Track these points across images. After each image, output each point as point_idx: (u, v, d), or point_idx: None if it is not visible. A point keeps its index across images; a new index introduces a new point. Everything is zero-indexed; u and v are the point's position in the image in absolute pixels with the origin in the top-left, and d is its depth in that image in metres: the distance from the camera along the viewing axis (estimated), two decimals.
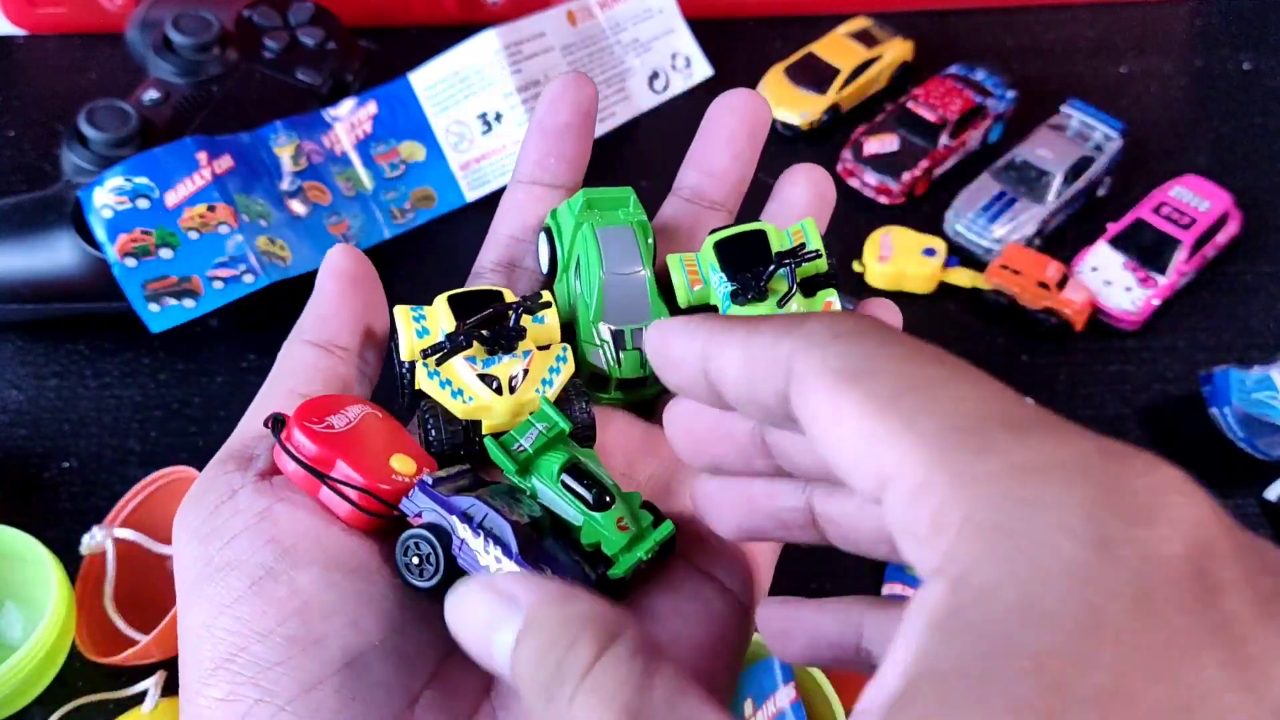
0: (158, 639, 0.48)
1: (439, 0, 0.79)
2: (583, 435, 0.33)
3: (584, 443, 0.32)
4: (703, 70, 0.77)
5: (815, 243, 0.34)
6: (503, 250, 0.37)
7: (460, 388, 0.32)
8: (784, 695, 0.45)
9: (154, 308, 0.59)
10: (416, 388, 0.33)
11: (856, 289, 0.66)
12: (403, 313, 0.33)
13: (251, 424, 0.31)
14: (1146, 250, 0.65)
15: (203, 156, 0.61)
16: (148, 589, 0.53)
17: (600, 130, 0.72)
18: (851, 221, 0.70)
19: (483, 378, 0.32)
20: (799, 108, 0.73)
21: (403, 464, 0.30)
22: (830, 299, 0.34)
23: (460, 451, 0.32)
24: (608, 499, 0.30)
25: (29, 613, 0.52)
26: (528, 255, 0.37)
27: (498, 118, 0.69)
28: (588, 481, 0.30)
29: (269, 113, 0.65)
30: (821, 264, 0.34)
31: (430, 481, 0.29)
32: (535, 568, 0.27)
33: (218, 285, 0.59)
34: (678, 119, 0.75)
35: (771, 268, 0.33)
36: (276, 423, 0.29)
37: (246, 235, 0.60)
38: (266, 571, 0.26)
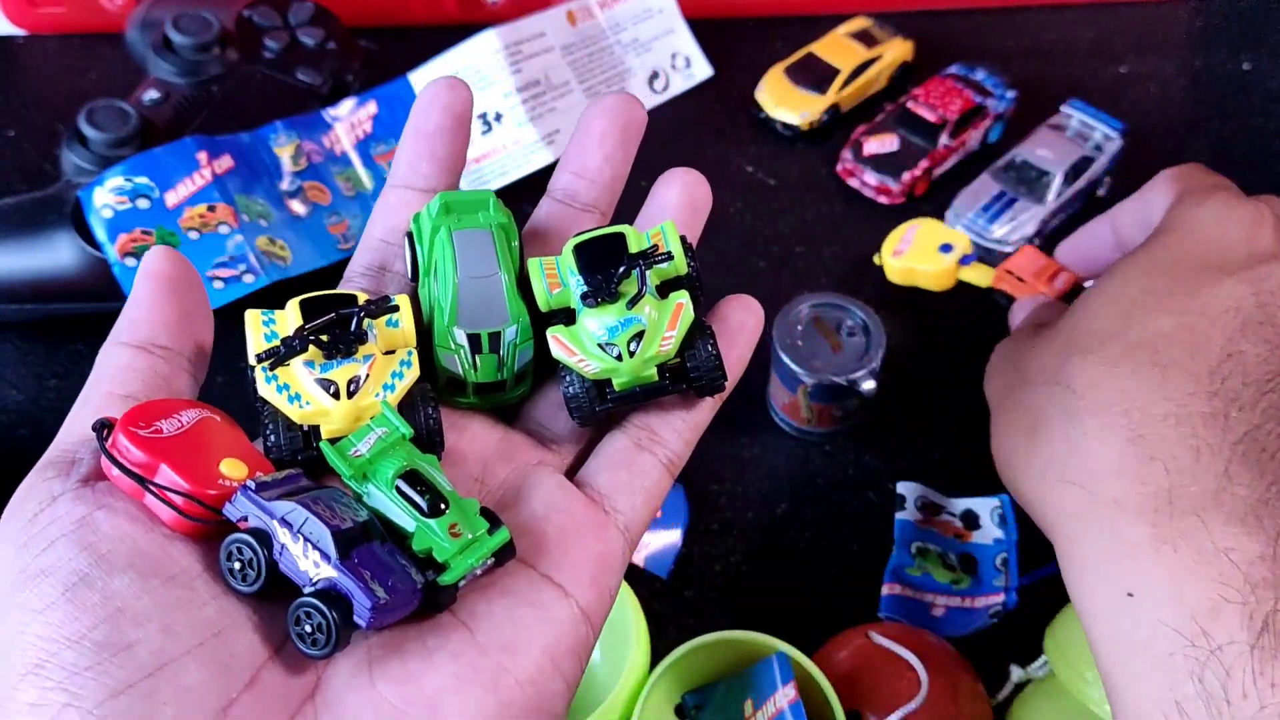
0: None
1: (439, 0, 0.79)
2: (429, 441, 0.32)
3: (430, 449, 0.32)
4: (703, 70, 0.77)
5: (673, 245, 0.34)
6: (373, 254, 0.37)
7: (298, 392, 0.32)
8: (784, 696, 0.45)
9: None
10: (258, 395, 0.33)
11: (879, 284, 0.66)
12: (252, 316, 0.33)
13: (73, 428, 0.32)
14: None
15: (203, 156, 0.61)
16: None
17: None
18: (852, 221, 0.70)
19: (320, 382, 0.32)
20: (799, 108, 0.73)
21: (233, 469, 0.30)
22: (681, 300, 0.34)
23: (299, 457, 0.32)
24: (442, 505, 0.30)
25: None
26: (398, 259, 0.37)
27: (497, 118, 0.69)
28: (422, 487, 0.30)
29: (269, 113, 0.65)
30: (680, 265, 0.35)
31: (254, 486, 0.29)
32: (355, 573, 0.27)
33: (218, 285, 0.59)
34: (678, 119, 0.75)
35: (621, 269, 0.33)
36: (102, 426, 0.29)
37: (247, 235, 0.60)
38: (80, 578, 0.26)
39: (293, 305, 0.33)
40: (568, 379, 0.34)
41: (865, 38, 0.77)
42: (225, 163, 0.61)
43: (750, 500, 0.58)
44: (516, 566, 0.31)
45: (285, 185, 0.64)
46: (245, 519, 0.29)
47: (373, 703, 0.27)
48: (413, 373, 0.33)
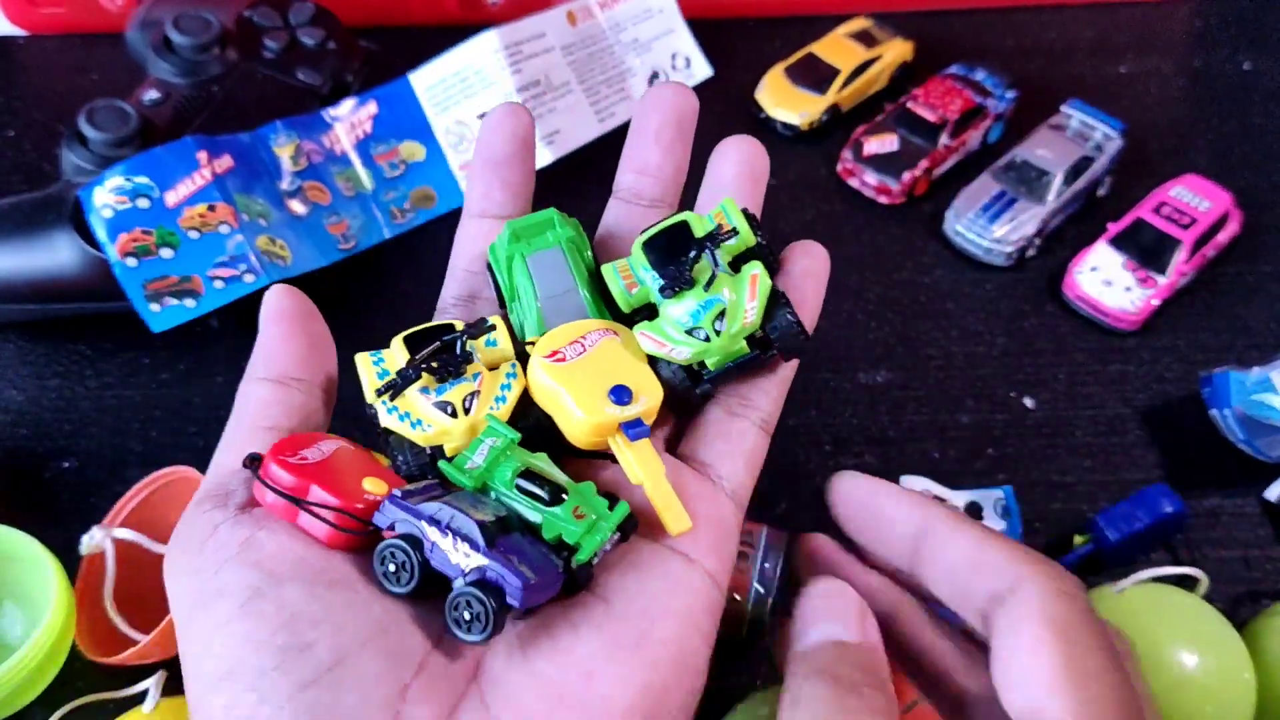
0: (158, 639, 0.48)
1: (439, 0, 0.79)
2: (544, 442, 0.34)
3: (538, 447, 0.34)
4: (703, 70, 0.77)
5: (736, 221, 0.35)
6: (460, 285, 0.38)
7: (419, 418, 0.33)
8: None
9: (155, 307, 0.59)
10: (382, 427, 0.34)
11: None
12: (363, 359, 0.35)
13: (223, 463, 0.33)
14: (1146, 250, 0.65)
15: (203, 156, 0.61)
16: (148, 589, 0.53)
17: (601, 130, 0.72)
18: (852, 221, 0.70)
19: (438, 405, 0.33)
20: (799, 108, 0.73)
21: (375, 485, 0.32)
22: (755, 270, 0.34)
23: (428, 475, 0.34)
24: (562, 493, 0.31)
25: (29, 613, 0.52)
26: (485, 286, 0.38)
27: None
28: (540, 481, 0.32)
29: (269, 113, 0.65)
30: (747, 237, 0.35)
31: (400, 495, 0.31)
32: (504, 559, 0.29)
33: (218, 285, 0.59)
34: None
35: (691, 256, 0.34)
36: (253, 460, 0.32)
37: (247, 235, 0.60)
38: (254, 593, 0.28)
39: (397, 342, 0.35)
40: (664, 370, 0.35)
41: (865, 38, 0.77)
42: (225, 162, 0.61)
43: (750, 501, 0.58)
44: (641, 543, 0.32)
45: (285, 185, 0.64)
46: (394, 526, 0.31)
47: (532, 675, 0.29)
48: (520, 382, 0.34)
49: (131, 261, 0.58)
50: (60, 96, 0.76)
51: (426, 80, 0.69)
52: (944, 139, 0.71)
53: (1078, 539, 0.55)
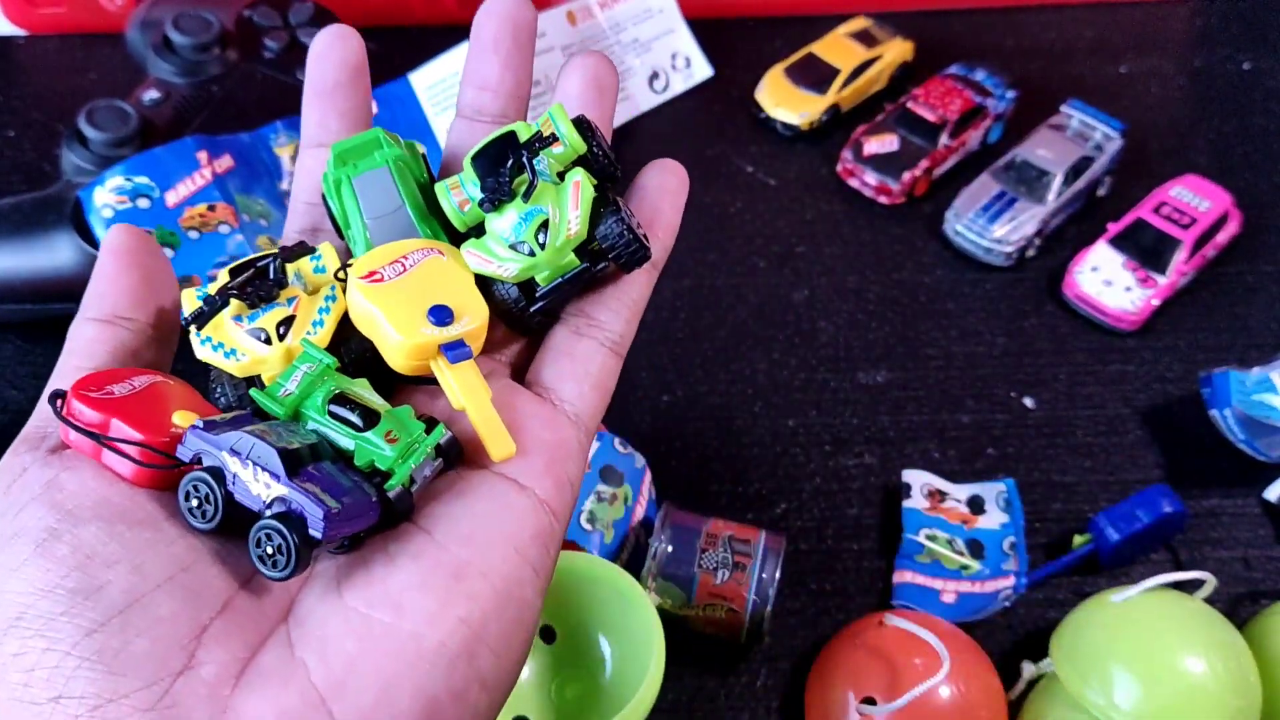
0: None
1: (439, 0, 0.79)
2: (361, 367, 0.33)
3: (372, 378, 0.32)
4: (703, 70, 0.77)
5: (561, 126, 0.33)
6: (302, 218, 0.37)
7: (233, 347, 0.32)
8: None
9: None
10: (198, 359, 0.33)
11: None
12: (187, 293, 0.34)
13: (43, 407, 0.32)
14: (1146, 250, 0.65)
15: (203, 156, 0.61)
16: None
17: None
18: (852, 221, 0.70)
19: (251, 332, 0.32)
20: (799, 108, 0.73)
21: (184, 418, 0.30)
22: (576, 178, 0.33)
23: (250, 409, 0.32)
24: (375, 417, 0.30)
25: None
26: (326, 219, 0.37)
27: None
28: (352, 405, 0.30)
29: (269, 112, 0.65)
30: (575, 144, 0.33)
31: (202, 425, 0.29)
32: (304, 488, 0.28)
33: None
34: (678, 119, 0.75)
35: (510, 164, 0.33)
36: (56, 396, 0.30)
37: (247, 235, 0.60)
38: (49, 534, 0.28)
39: (222, 273, 0.34)
40: (498, 290, 0.33)
41: (865, 38, 0.77)
42: (225, 162, 0.61)
43: (750, 502, 0.58)
44: (470, 471, 0.31)
45: (285, 185, 0.64)
46: (199, 459, 0.29)
47: (340, 611, 0.28)
48: (340, 304, 0.33)
49: None
50: (60, 96, 0.76)
51: (426, 80, 0.69)
52: (944, 139, 0.71)
53: (1078, 539, 0.55)
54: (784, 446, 0.60)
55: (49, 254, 0.59)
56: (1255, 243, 0.68)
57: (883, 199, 0.70)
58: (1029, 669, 0.51)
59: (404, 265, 0.32)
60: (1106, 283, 0.64)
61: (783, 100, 0.74)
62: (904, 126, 0.71)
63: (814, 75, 0.75)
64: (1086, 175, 0.68)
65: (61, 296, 0.61)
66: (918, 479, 0.57)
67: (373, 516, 0.29)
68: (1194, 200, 0.66)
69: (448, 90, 0.69)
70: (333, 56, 0.37)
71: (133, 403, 0.30)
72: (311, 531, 0.28)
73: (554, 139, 0.33)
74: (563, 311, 0.35)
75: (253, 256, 0.34)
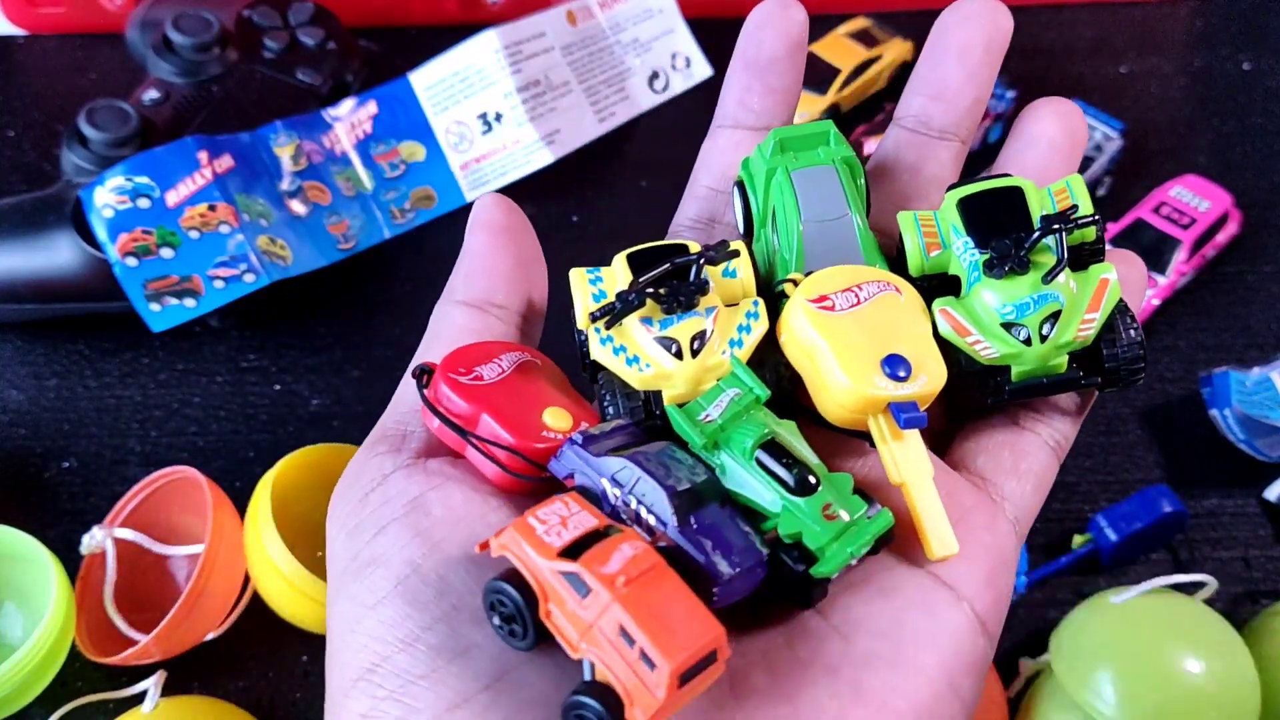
0: (157, 639, 0.48)
1: (439, 0, 0.79)
2: (782, 404, 0.28)
3: (782, 413, 0.27)
4: (703, 70, 0.77)
5: (1085, 204, 0.29)
6: (701, 204, 0.32)
7: (636, 354, 0.27)
8: None
9: (155, 307, 0.59)
10: (590, 359, 0.28)
11: None
12: (578, 275, 0.29)
13: (405, 397, 0.29)
14: (1146, 250, 0.65)
15: (203, 156, 0.61)
16: (148, 589, 0.53)
17: (601, 130, 0.72)
18: None
19: (661, 341, 0.27)
20: (799, 108, 0.73)
21: (557, 419, 0.27)
22: (1107, 275, 0.28)
23: (641, 426, 0.28)
24: (812, 480, 0.25)
25: (29, 613, 0.52)
26: (729, 209, 0.32)
27: (498, 118, 0.69)
28: (788, 460, 0.25)
29: (269, 113, 0.65)
30: (1090, 231, 0.29)
31: (580, 440, 0.26)
32: (695, 542, 0.24)
33: (218, 285, 0.59)
34: (678, 119, 0.75)
35: (1037, 234, 0.28)
36: (422, 374, 0.27)
37: (247, 235, 0.60)
38: (413, 569, 0.24)
39: (620, 260, 0.29)
40: (958, 364, 0.28)
41: (865, 37, 0.77)
42: (225, 162, 0.61)
43: None
44: (894, 562, 0.26)
45: (285, 185, 0.64)
46: (570, 475, 0.26)
47: None
48: (761, 324, 0.28)
49: (132, 261, 0.58)
50: (60, 96, 0.76)
51: (426, 80, 0.69)
52: None
53: (1077, 539, 0.55)
54: None
55: (49, 254, 0.59)
56: (1255, 243, 0.68)
57: None
58: (1027, 665, 0.51)
59: (857, 296, 0.28)
60: None
61: None
62: None
63: (814, 75, 0.74)
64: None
65: (61, 297, 0.61)
66: None
67: (758, 580, 0.25)
68: (1194, 200, 0.66)
69: (448, 90, 0.69)
70: (775, 25, 0.33)
71: (503, 392, 0.27)
72: (715, 597, 0.23)
73: (1094, 220, 0.28)
74: None
75: (659, 245, 0.29)
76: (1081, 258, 0.29)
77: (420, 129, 0.69)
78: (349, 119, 0.68)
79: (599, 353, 0.28)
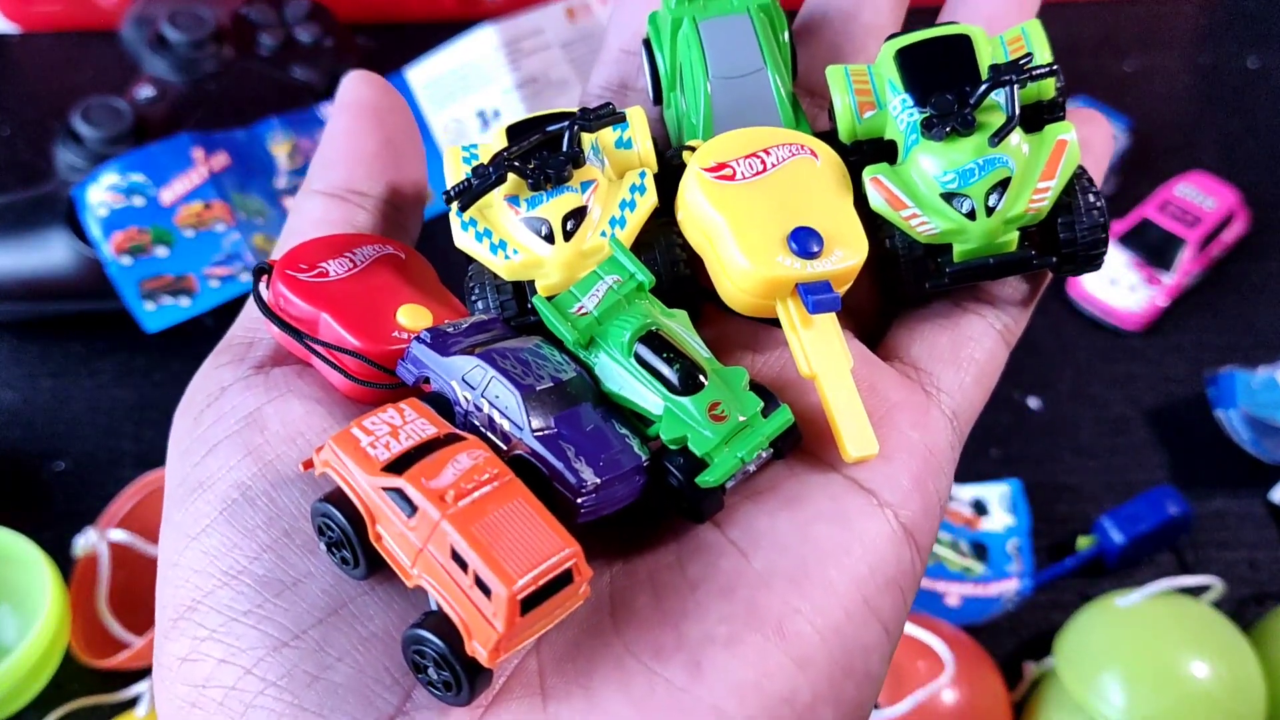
0: (152, 642, 0.48)
1: None
2: (672, 291, 0.24)
3: (677, 303, 0.24)
4: None
5: (1043, 53, 0.25)
6: (612, 68, 0.28)
7: (502, 238, 0.24)
8: None
9: (149, 306, 0.58)
10: (456, 246, 0.25)
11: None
12: (452, 152, 0.26)
13: (252, 306, 0.25)
14: (1152, 249, 0.64)
15: (199, 153, 0.60)
16: (142, 591, 0.53)
17: None
18: None
19: (529, 222, 0.24)
20: None
21: (413, 317, 0.24)
22: (1065, 136, 0.24)
23: (513, 324, 0.25)
24: (699, 377, 0.22)
25: (22, 615, 0.52)
26: (642, 75, 0.28)
27: (495, 114, 0.68)
28: (671, 354, 0.22)
29: (265, 110, 0.65)
30: (1048, 85, 0.25)
31: (429, 337, 0.22)
32: (554, 447, 0.21)
33: (214, 284, 0.59)
34: None
35: (984, 86, 0.24)
36: (260, 273, 0.24)
37: (243, 233, 0.60)
38: (242, 492, 0.21)
39: (497, 131, 0.25)
40: (889, 241, 0.25)
41: None
42: (221, 159, 0.61)
43: None
44: (806, 467, 0.22)
45: (281, 183, 0.64)
46: (424, 379, 0.22)
47: (614, 660, 0.20)
48: (648, 199, 0.24)
49: (126, 260, 0.58)
50: (54, 94, 0.75)
51: (424, 77, 0.68)
52: None
53: (1082, 541, 0.55)
54: None
55: (43, 252, 0.59)
56: (1262, 241, 0.67)
57: None
58: (1031, 668, 0.50)
59: (764, 162, 0.24)
60: (1112, 282, 0.63)
61: None
62: None
63: None
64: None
65: (56, 295, 0.60)
66: None
67: (636, 491, 0.22)
68: (1200, 198, 0.66)
69: (445, 87, 0.68)
70: None
71: (351, 289, 0.23)
72: (582, 508, 0.20)
73: (1051, 71, 0.24)
74: None
75: (544, 114, 0.25)
76: (1037, 117, 0.25)
77: (418, 126, 0.68)
78: None
79: (461, 239, 0.24)
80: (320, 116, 0.67)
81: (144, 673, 0.48)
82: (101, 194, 0.58)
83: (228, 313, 0.60)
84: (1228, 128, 0.74)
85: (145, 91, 0.64)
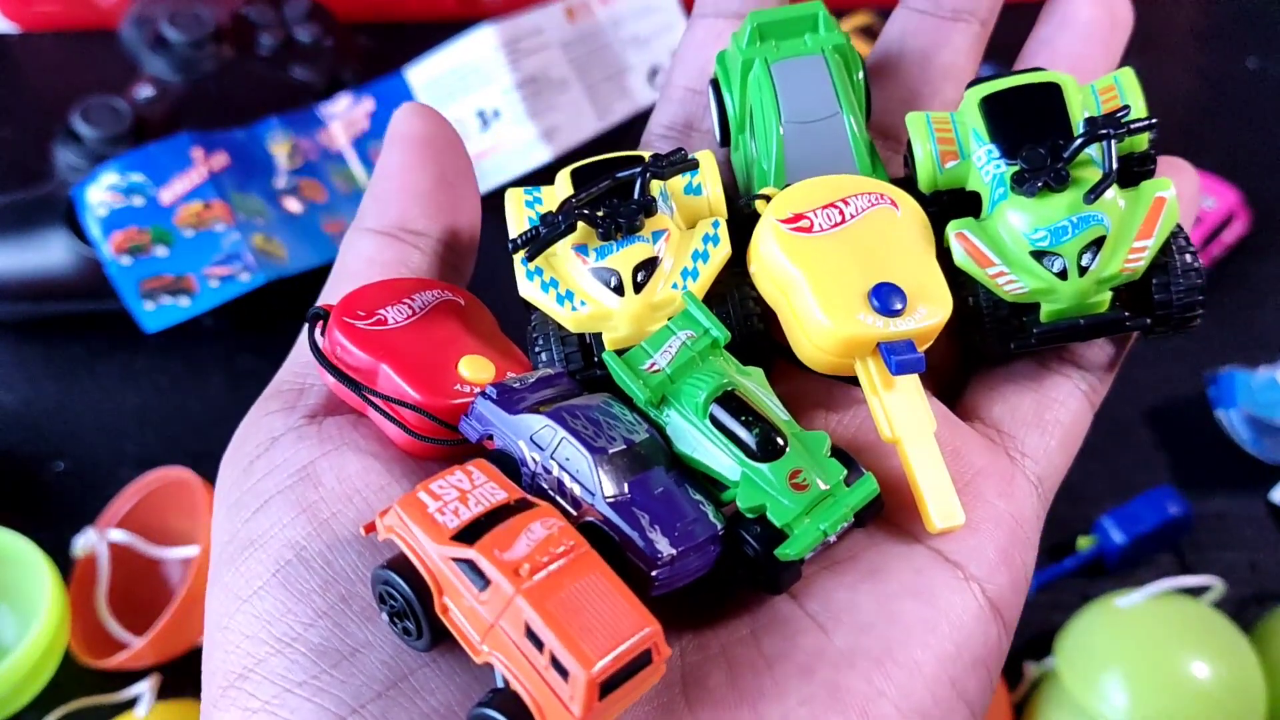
0: (151, 642, 0.48)
1: None
2: (745, 346, 0.23)
3: (749, 359, 0.22)
4: None
5: (1138, 105, 0.24)
6: (677, 108, 0.27)
7: (569, 289, 0.22)
8: None
9: (149, 306, 0.58)
10: (520, 296, 0.24)
11: None
12: (514, 195, 0.24)
13: (303, 348, 0.24)
14: None
15: (198, 153, 0.60)
16: (141, 591, 0.53)
17: (601, 128, 0.71)
18: None
19: (598, 273, 0.22)
20: None
21: (476, 370, 0.22)
22: (1163, 193, 0.23)
23: (579, 378, 0.23)
24: (778, 441, 0.21)
25: (22, 616, 0.52)
26: (708, 115, 0.27)
27: (495, 114, 0.68)
28: (749, 417, 0.21)
29: (264, 110, 0.65)
30: (1142, 139, 0.24)
31: (494, 393, 0.21)
32: (627, 515, 0.19)
33: (213, 284, 0.59)
34: None
35: (1079, 141, 0.22)
36: (316, 319, 0.23)
37: (242, 233, 0.60)
38: (296, 553, 0.20)
39: (563, 176, 0.24)
40: (972, 299, 0.23)
41: (868, 33, 0.76)
42: (220, 159, 0.61)
43: None
44: (887, 537, 0.21)
45: (281, 183, 0.63)
46: (488, 436, 0.21)
47: None
48: (721, 250, 0.23)
49: (126, 260, 0.58)
50: (54, 94, 0.75)
51: (424, 76, 0.68)
52: None
53: (1082, 541, 0.55)
54: None
55: (42, 253, 0.59)
56: (1262, 241, 0.67)
57: None
58: (1032, 668, 0.50)
59: (842, 213, 0.23)
60: None
61: None
62: None
63: None
64: None
65: (55, 295, 0.60)
66: None
67: (712, 556, 0.20)
68: (1200, 199, 0.66)
69: (445, 87, 0.68)
70: None
71: (410, 338, 0.22)
72: (655, 584, 0.19)
73: (1149, 125, 0.23)
74: None
75: (612, 157, 0.23)
76: (1128, 170, 0.24)
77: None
78: (345, 116, 0.67)
79: (526, 288, 0.23)
80: (320, 116, 0.67)
81: (143, 673, 0.48)
82: (101, 194, 0.58)
83: (227, 313, 0.60)
84: (1228, 128, 0.74)
85: (145, 91, 0.64)
